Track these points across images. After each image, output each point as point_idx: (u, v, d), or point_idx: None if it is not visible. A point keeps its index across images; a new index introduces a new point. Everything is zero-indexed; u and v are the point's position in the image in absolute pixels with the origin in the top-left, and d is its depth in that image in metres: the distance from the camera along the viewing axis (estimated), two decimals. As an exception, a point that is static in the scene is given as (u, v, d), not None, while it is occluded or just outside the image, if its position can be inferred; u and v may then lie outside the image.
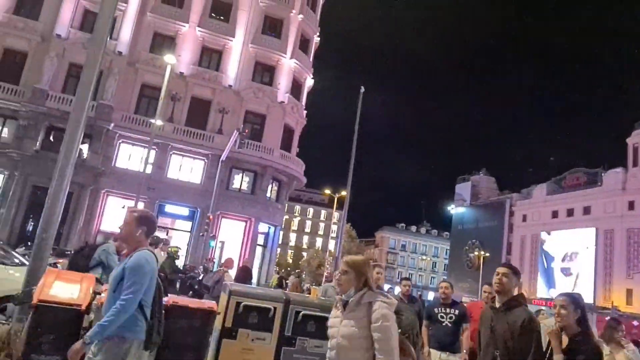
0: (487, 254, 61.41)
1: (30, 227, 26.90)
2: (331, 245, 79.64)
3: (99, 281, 4.99)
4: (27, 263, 7.76)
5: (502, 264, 4.20)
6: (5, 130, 28.02)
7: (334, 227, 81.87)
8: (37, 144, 27.19)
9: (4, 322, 6.27)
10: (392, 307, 3.18)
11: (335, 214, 61.92)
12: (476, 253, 67.44)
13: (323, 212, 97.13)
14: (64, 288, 4.46)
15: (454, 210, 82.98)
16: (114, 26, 29.14)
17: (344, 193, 31.47)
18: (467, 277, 70.18)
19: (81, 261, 5.99)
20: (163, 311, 3.64)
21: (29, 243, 18.05)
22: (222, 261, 13.03)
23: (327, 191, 49.86)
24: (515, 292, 3.99)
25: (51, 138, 27.49)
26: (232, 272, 10.77)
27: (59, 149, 6.57)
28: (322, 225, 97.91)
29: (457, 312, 6.60)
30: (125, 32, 30.27)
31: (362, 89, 22.90)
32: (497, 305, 3.96)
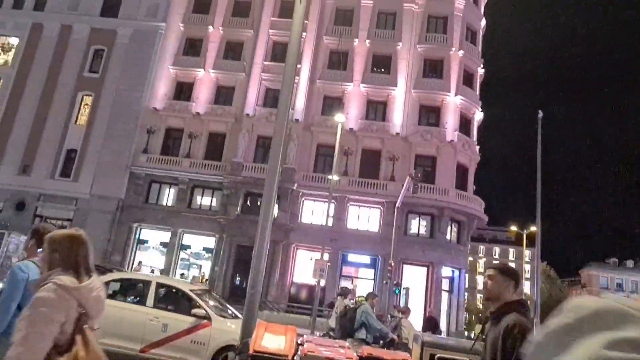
0: None
1: (237, 282, 30.79)
2: (526, 287, 71.87)
3: (365, 342, 5.40)
4: (239, 315, 8.84)
5: (491, 265, 3.50)
6: (214, 200, 33.21)
7: (527, 267, 74.09)
8: (238, 209, 31.51)
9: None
10: None
11: (527, 252, 56.14)
12: None
13: (511, 251, 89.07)
14: (273, 339, 4.95)
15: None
16: (291, 97, 32.75)
17: (533, 228, 28.54)
18: None
19: (348, 324, 6.64)
20: None
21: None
22: (401, 308, 12.84)
23: (514, 228, 45.83)
24: (513, 298, 3.27)
25: (248, 203, 31.64)
26: (410, 319, 10.50)
27: (255, 212, 7.51)
28: (512, 265, 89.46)
29: None
30: (300, 101, 33.75)
31: (540, 114, 21.08)
32: (488, 313, 3.37)
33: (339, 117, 23.89)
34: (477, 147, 35.21)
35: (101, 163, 33.42)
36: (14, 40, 37.14)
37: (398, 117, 33.56)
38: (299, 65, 33.18)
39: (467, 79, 35.00)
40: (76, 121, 35.28)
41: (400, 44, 34.66)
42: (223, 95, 35.36)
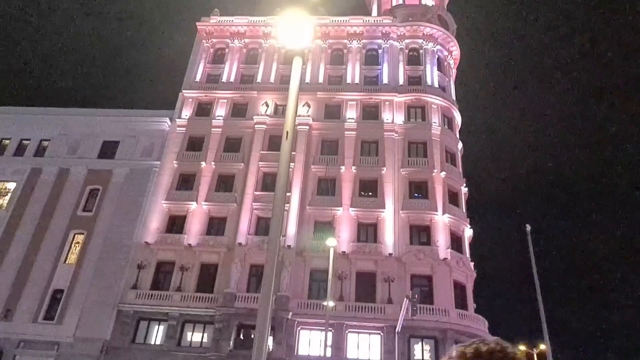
0: None
1: None
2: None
3: None
4: None
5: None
6: (205, 335, 31.54)
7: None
8: (231, 344, 29.76)
9: None
10: None
11: (541, 375, 52.40)
12: None
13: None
14: None
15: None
16: (282, 224, 33.23)
17: (542, 347, 27.09)
18: None
19: None
20: None
21: None
22: None
23: (522, 347, 43.39)
24: None
25: (241, 336, 30.04)
26: None
27: (248, 346, 7.16)
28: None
29: None
30: (291, 227, 34.12)
31: (528, 228, 21.49)
32: None
33: (330, 241, 24.00)
34: (472, 264, 35.03)
35: (88, 302, 32.26)
36: (12, 185, 38.27)
37: (389, 238, 33.82)
38: (288, 194, 34.24)
39: (452, 198, 36.18)
40: (65, 260, 34.85)
41: (384, 169, 36.38)
42: (215, 226, 35.73)
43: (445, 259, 32.60)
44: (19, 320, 32.10)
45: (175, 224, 35.97)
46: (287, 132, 8.26)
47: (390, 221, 34.44)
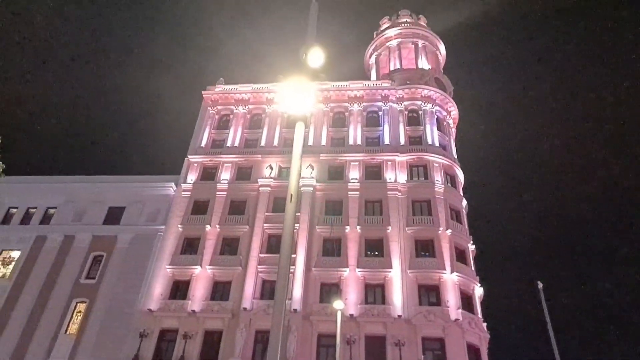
0: None
1: None
2: None
3: None
4: None
5: None
6: (209, 408, 29.94)
7: None
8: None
9: None
10: None
11: None
12: None
13: None
14: None
15: None
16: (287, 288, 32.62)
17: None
18: None
19: None
20: None
21: None
22: None
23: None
24: None
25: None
26: None
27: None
28: None
29: None
30: (297, 290, 33.42)
31: (540, 285, 21.01)
32: None
33: (337, 304, 23.41)
34: (485, 324, 33.85)
35: (87, 375, 31.03)
36: (16, 254, 38.11)
37: (398, 298, 32.98)
38: (294, 255, 33.89)
39: (460, 255, 35.67)
40: (66, 330, 33.93)
41: (389, 228, 36.18)
42: (220, 290, 35.07)
43: (456, 319, 31.57)
44: (15, 397, 30.72)
45: (179, 289, 35.35)
46: (292, 195, 8.37)
47: (397, 281, 33.75)
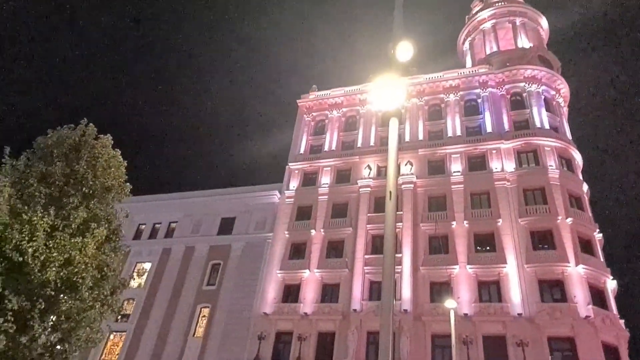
0: None
1: None
2: None
3: None
4: None
5: None
6: (328, 409, 30.52)
7: None
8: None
9: None
10: None
11: None
12: None
13: None
14: None
15: None
16: (395, 288, 32.22)
17: None
18: None
19: None
20: None
21: None
22: None
23: None
24: None
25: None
26: None
27: None
28: None
29: None
30: (406, 290, 32.77)
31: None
32: None
33: (449, 303, 22.54)
34: (622, 322, 30.21)
35: (215, 375, 33.37)
36: (147, 265, 42.45)
37: (516, 295, 30.81)
38: (399, 255, 33.34)
39: (585, 246, 32.33)
40: (194, 334, 36.90)
41: (500, 220, 34.04)
42: (329, 293, 35.68)
43: (587, 317, 28.59)
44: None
45: (291, 293, 36.61)
46: (390, 193, 8.16)
47: (514, 277, 31.54)
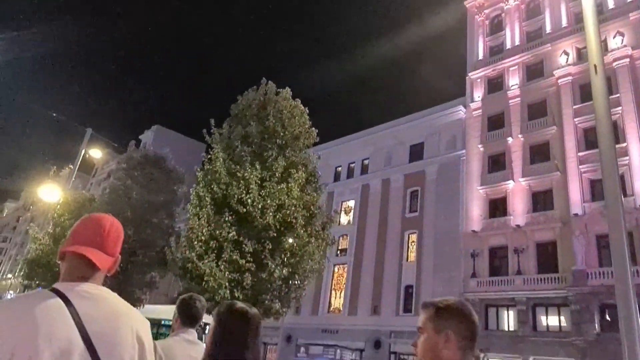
0: None
1: None
2: None
3: None
4: None
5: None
6: (562, 318, 28.80)
7: None
8: (597, 327, 26.15)
9: None
10: None
11: None
12: None
13: None
14: None
15: None
16: (624, 181, 27.66)
17: None
18: None
19: None
20: None
21: None
22: None
23: None
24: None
25: (608, 317, 26.00)
26: None
27: (617, 328, 5.81)
28: None
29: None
30: (638, 183, 27.86)
31: None
32: None
33: None
34: None
35: (435, 294, 34.47)
36: (352, 202, 45.50)
37: None
38: (624, 144, 28.43)
39: None
40: (407, 259, 38.56)
41: None
42: (540, 201, 32.75)
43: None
44: (386, 314, 37.17)
45: (497, 207, 34.81)
46: (595, 66, 6.64)
47: None
